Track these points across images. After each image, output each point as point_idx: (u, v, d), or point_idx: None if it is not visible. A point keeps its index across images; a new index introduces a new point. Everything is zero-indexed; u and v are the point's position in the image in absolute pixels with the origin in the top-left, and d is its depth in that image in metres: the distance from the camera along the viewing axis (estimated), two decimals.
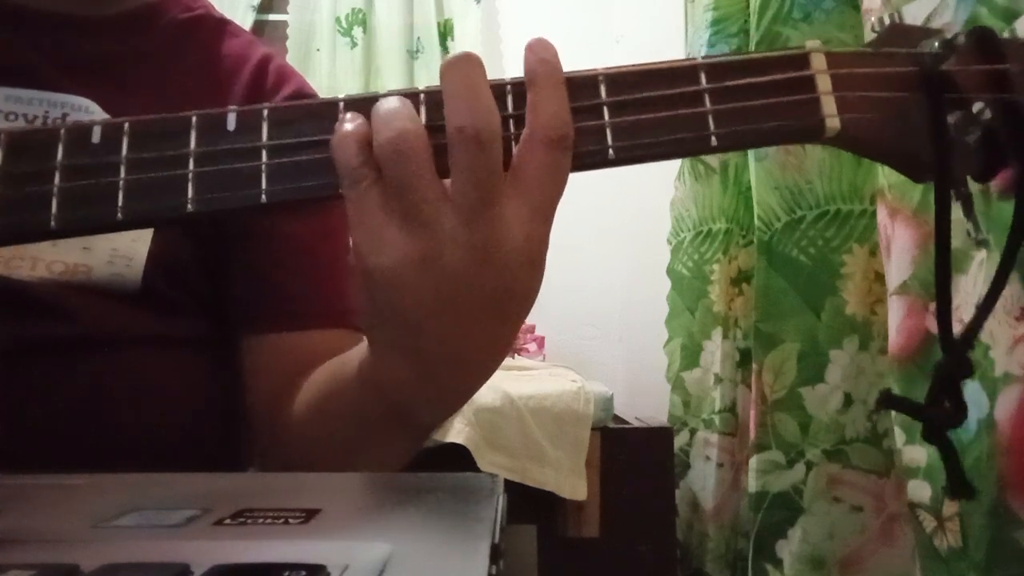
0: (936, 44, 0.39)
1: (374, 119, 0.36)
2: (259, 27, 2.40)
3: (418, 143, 0.36)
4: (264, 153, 0.38)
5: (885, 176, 1.00)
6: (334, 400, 0.52)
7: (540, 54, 0.37)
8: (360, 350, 0.47)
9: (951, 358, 0.39)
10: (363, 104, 0.38)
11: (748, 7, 1.50)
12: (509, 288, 0.37)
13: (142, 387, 0.58)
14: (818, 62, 0.39)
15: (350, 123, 0.37)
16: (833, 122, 0.39)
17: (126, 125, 0.38)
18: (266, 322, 0.62)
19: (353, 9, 2.39)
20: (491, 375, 0.43)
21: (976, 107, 0.38)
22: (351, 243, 0.37)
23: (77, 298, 0.56)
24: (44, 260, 0.56)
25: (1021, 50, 0.40)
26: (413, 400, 0.44)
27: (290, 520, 0.32)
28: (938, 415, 0.40)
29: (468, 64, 0.37)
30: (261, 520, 0.32)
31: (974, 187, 0.40)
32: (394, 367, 0.42)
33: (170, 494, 0.38)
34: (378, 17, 2.40)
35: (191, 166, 0.37)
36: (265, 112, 0.38)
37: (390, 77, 2.37)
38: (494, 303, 0.38)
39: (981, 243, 0.40)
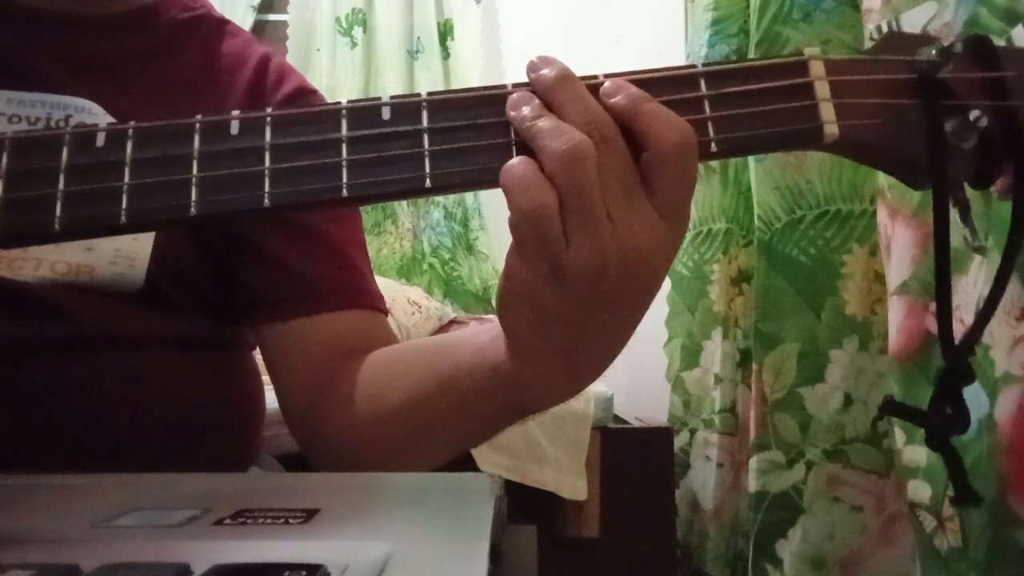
0: (933, 51, 0.40)
1: (541, 139, 0.37)
2: (259, 27, 2.40)
3: (591, 148, 0.37)
4: (267, 157, 0.38)
5: (885, 176, 1.00)
6: (449, 402, 0.50)
7: (615, 87, 0.38)
8: (478, 354, 0.47)
9: (952, 364, 0.39)
10: (368, 110, 0.38)
11: (748, 7, 1.50)
12: (657, 279, 0.39)
13: (143, 387, 0.58)
14: (816, 69, 0.39)
15: (522, 161, 0.37)
16: (831, 128, 0.39)
17: (130, 130, 0.38)
18: (286, 309, 0.62)
19: (353, 9, 2.39)
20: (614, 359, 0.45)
21: (973, 114, 0.39)
22: (517, 266, 0.38)
23: (79, 298, 0.56)
24: (47, 260, 0.56)
25: (1017, 57, 0.40)
26: (549, 395, 0.45)
27: (290, 520, 0.32)
28: (941, 422, 0.39)
29: (568, 77, 0.38)
30: (261, 520, 0.32)
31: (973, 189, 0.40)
32: (542, 369, 0.43)
33: (170, 494, 0.38)
34: (378, 17, 2.40)
35: (195, 169, 0.37)
36: (268, 117, 0.38)
37: (390, 77, 2.37)
38: (645, 294, 0.40)
39: (978, 250, 0.40)
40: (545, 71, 0.38)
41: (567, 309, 0.39)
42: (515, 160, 0.37)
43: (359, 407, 0.56)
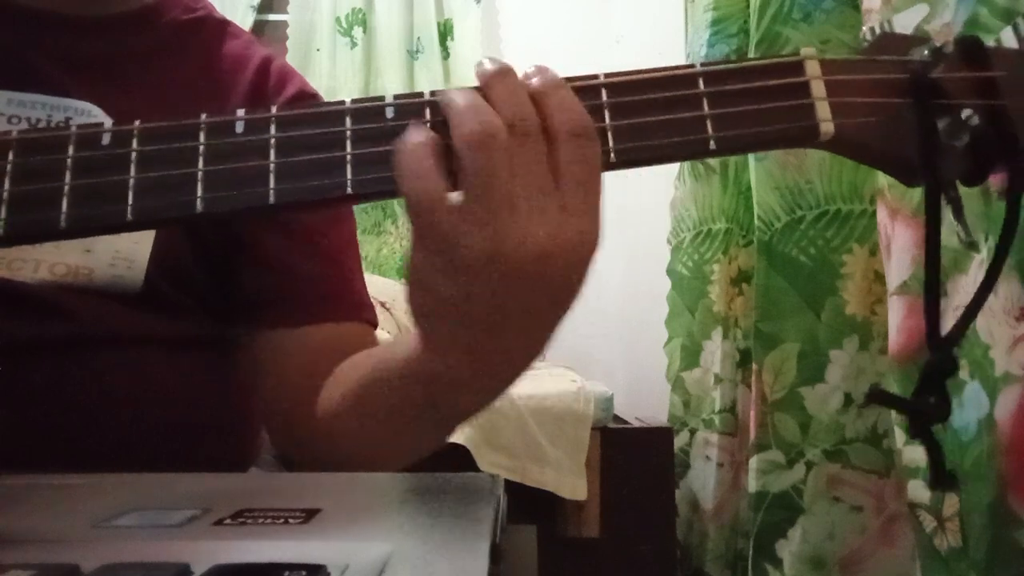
0: (926, 52, 0.41)
1: (455, 114, 0.37)
2: (259, 27, 2.40)
3: (501, 135, 0.36)
4: (272, 153, 0.38)
5: (885, 176, 1.00)
6: (373, 397, 0.52)
7: (537, 70, 0.39)
8: (400, 347, 0.47)
9: (936, 356, 0.40)
10: (371, 108, 0.39)
11: (748, 7, 1.50)
12: (568, 280, 0.39)
13: (143, 387, 0.58)
14: (812, 68, 0.40)
15: (419, 133, 0.37)
16: (827, 127, 0.40)
17: (135, 130, 0.38)
18: (279, 317, 0.62)
19: (353, 9, 2.39)
20: (533, 363, 0.44)
21: (964, 113, 0.40)
22: (415, 235, 0.37)
23: (79, 299, 0.56)
24: (46, 262, 0.56)
25: (1007, 57, 0.41)
26: (461, 393, 0.45)
27: (290, 520, 0.32)
28: (924, 410, 0.41)
29: (508, 72, 0.38)
30: (261, 520, 0.32)
31: (971, 188, 0.40)
32: (449, 362, 0.42)
33: (170, 494, 0.38)
34: (378, 17, 2.40)
35: (200, 165, 0.37)
36: (273, 116, 0.39)
37: (390, 77, 2.37)
38: (555, 295, 0.39)
39: (971, 246, 0.41)
40: (487, 65, 0.38)
41: (464, 300, 0.38)
42: (413, 132, 0.37)
43: (319, 411, 0.57)
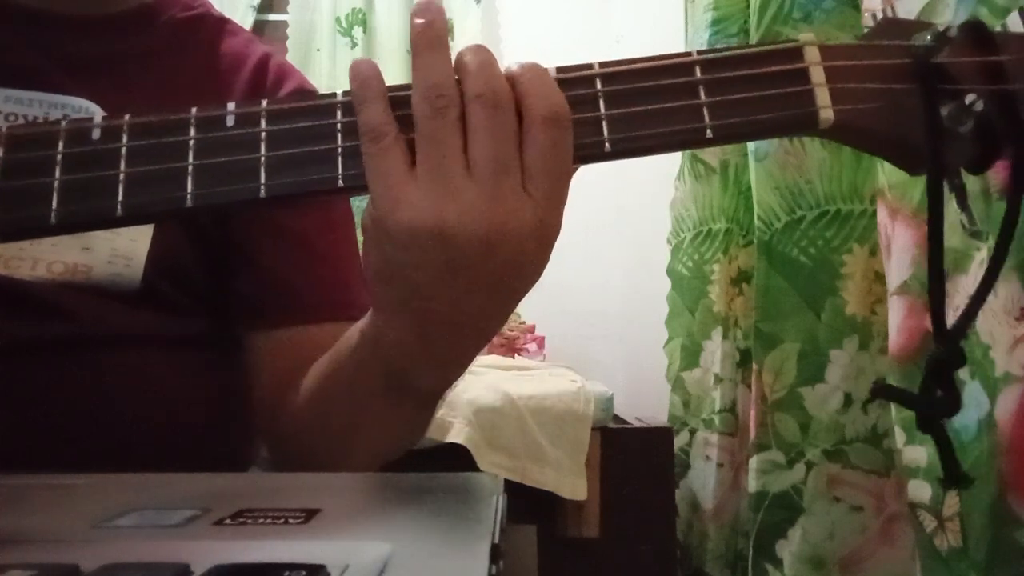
0: (929, 36, 0.40)
1: (416, 74, 0.37)
2: (259, 27, 2.40)
3: (454, 102, 0.36)
4: (263, 146, 0.38)
5: (885, 176, 1.00)
6: (333, 376, 0.52)
7: (519, 62, 0.39)
8: (360, 322, 0.47)
9: (943, 348, 0.39)
10: None
11: (748, 7, 1.50)
12: (519, 265, 0.38)
13: (142, 387, 0.58)
14: (812, 55, 0.40)
15: (374, 78, 0.38)
16: (827, 113, 0.39)
17: (125, 124, 0.38)
18: (271, 317, 0.62)
19: (353, 9, 2.39)
20: (488, 342, 0.44)
21: (969, 98, 0.39)
22: (369, 196, 0.37)
23: (77, 298, 0.56)
24: (44, 260, 0.56)
25: (1013, 42, 0.40)
26: (411, 361, 0.44)
27: (290, 520, 0.32)
28: (932, 405, 0.39)
29: (482, 48, 0.38)
30: (261, 520, 0.32)
31: (975, 188, 0.40)
32: (395, 325, 0.42)
33: (170, 494, 0.38)
34: (378, 17, 2.40)
35: (191, 159, 0.37)
36: (263, 109, 0.38)
37: (390, 77, 2.32)
38: (503, 278, 0.38)
39: (975, 234, 0.40)
40: (465, 53, 0.38)
41: (413, 268, 0.37)
42: (374, 80, 0.38)
43: (296, 402, 0.57)
